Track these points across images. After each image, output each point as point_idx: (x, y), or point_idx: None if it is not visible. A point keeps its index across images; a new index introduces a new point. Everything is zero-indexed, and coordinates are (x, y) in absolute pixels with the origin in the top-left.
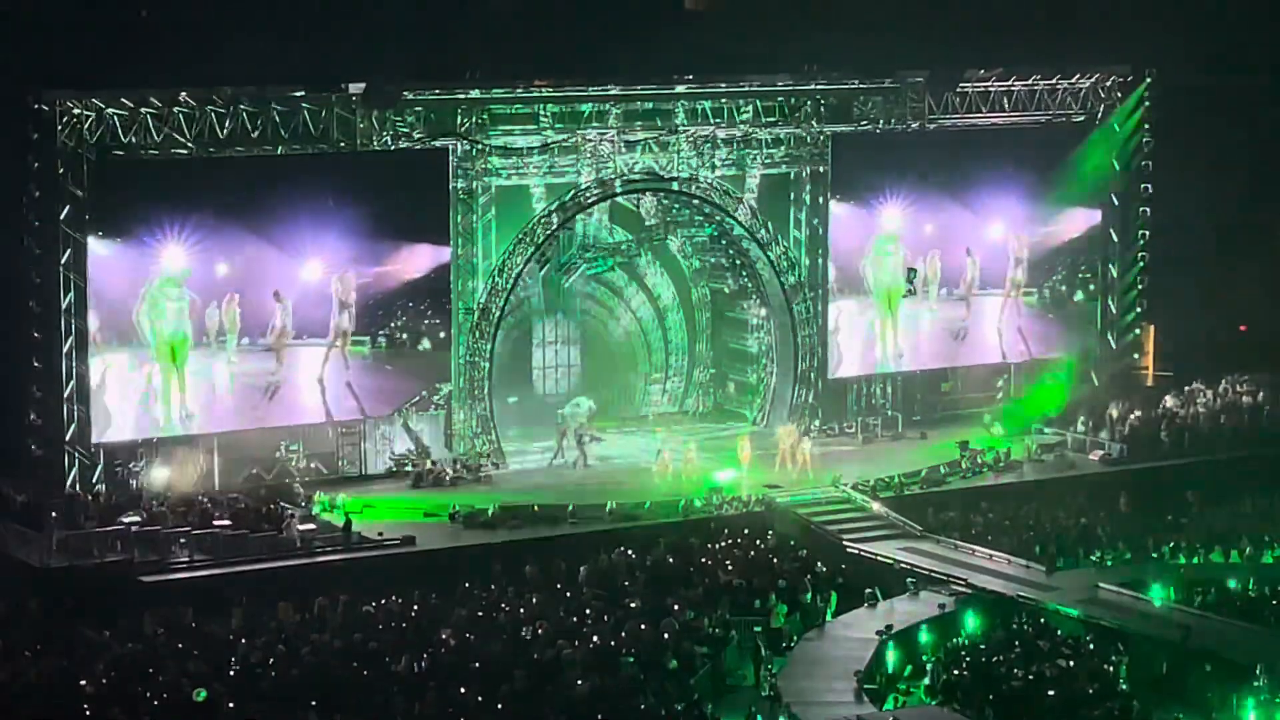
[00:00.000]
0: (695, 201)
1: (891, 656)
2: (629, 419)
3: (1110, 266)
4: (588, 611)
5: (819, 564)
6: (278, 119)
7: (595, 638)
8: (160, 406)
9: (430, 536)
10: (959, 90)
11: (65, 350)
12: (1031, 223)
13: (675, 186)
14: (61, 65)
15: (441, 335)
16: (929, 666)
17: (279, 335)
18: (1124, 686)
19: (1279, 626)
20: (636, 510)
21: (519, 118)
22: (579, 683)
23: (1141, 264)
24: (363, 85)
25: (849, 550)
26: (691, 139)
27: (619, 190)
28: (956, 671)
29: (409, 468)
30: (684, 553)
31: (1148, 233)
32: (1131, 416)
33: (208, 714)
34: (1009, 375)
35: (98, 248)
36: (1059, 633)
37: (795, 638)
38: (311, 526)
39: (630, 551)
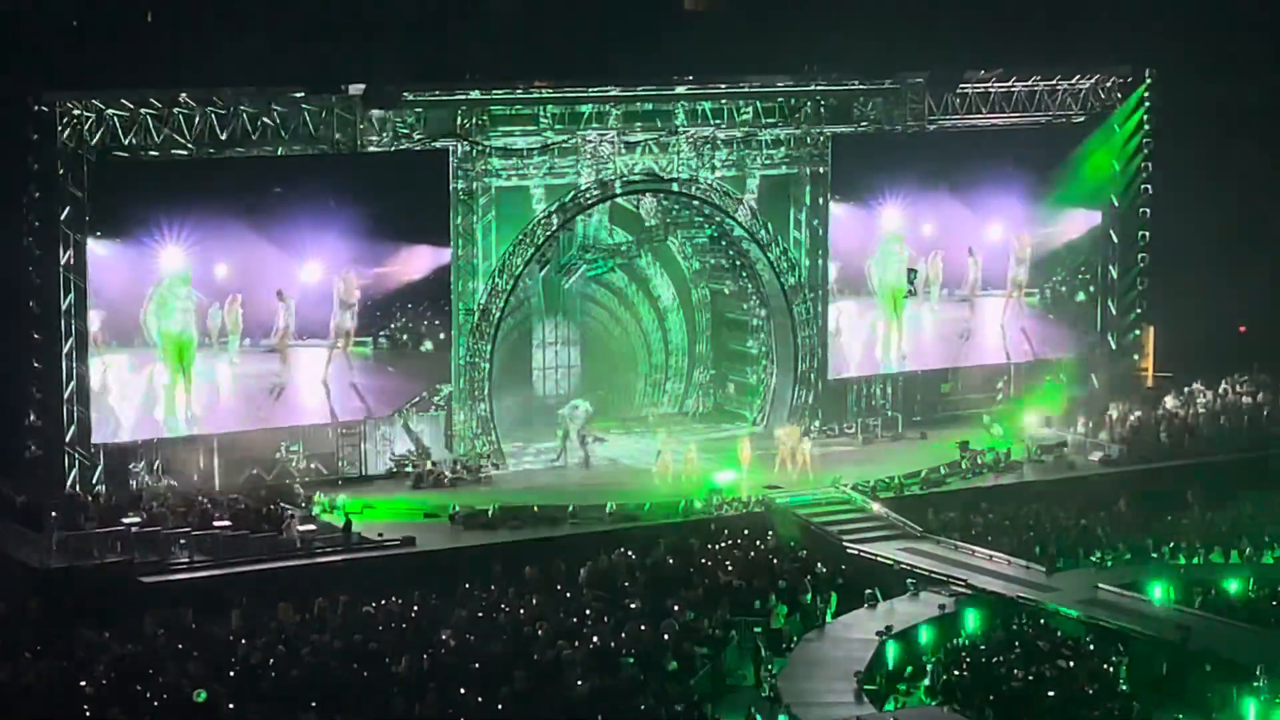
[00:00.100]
0: (695, 202)
1: (891, 657)
2: (629, 420)
3: (1110, 267)
4: (588, 612)
5: (819, 565)
6: (278, 120)
7: (595, 638)
8: (164, 407)
9: (430, 537)
10: (959, 91)
11: (65, 351)
12: (1032, 223)
13: (675, 187)
14: (62, 66)
15: (442, 336)
16: (929, 667)
17: (283, 336)
18: (1124, 687)
19: (1279, 627)
20: (636, 511)
21: (519, 119)
22: (579, 683)
23: (1141, 265)
24: (363, 86)
25: (849, 551)
26: (691, 140)
27: (619, 191)
28: (956, 672)
29: (409, 469)
30: (684, 553)
31: (1148, 233)
32: (1131, 417)
33: (208, 715)
34: (1009, 376)
35: (98, 249)
36: (1059, 633)
37: (795, 638)
38: (311, 527)
39: (630, 552)
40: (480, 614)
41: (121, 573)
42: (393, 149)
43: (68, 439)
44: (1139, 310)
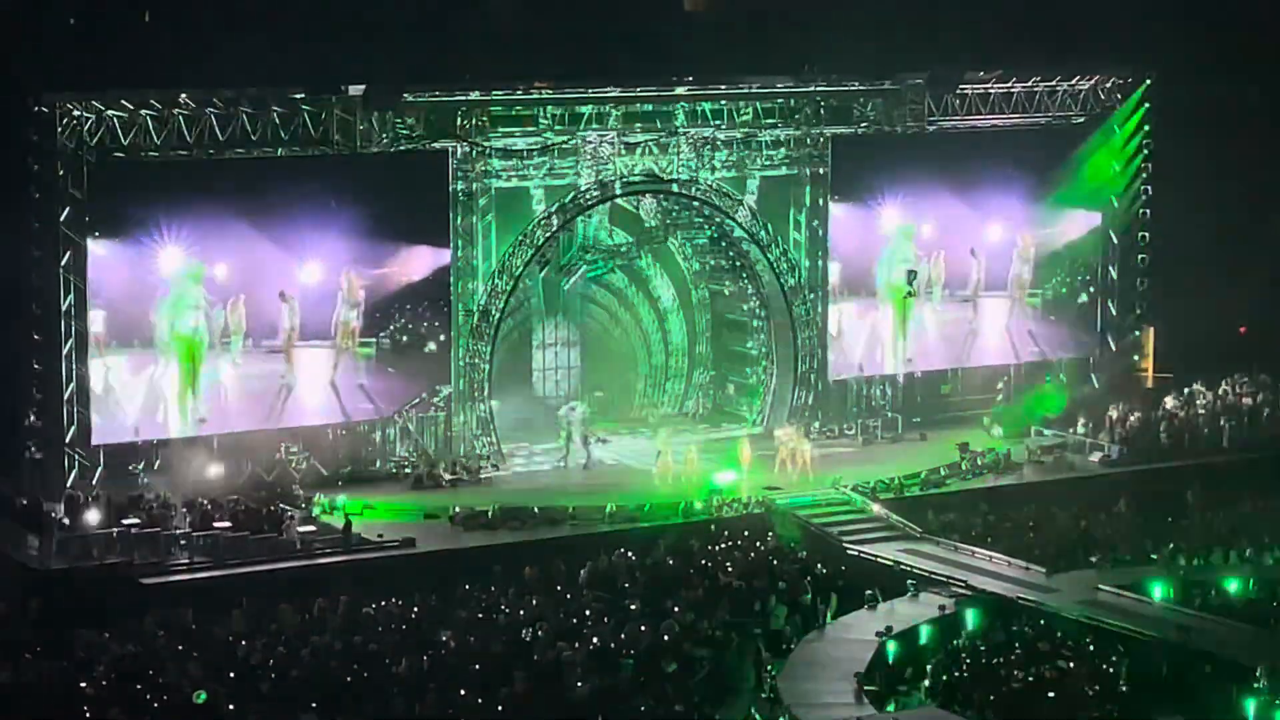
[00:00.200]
0: (695, 203)
1: (891, 658)
2: (629, 421)
3: (1110, 268)
4: (588, 613)
5: (819, 566)
6: (277, 121)
7: (595, 639)
8: (170, 408)
9: (430, 538)
10: (958, 92)
11: (65, 352)
12: (1032, 224)
13: (675, 188)
14: (62, 67)
15: (442, 338)
16: (929, 668)
17: (288, 336)
18: (1124, 688)
19: (1279, 628)
20: (637, 512)
21: (519, 119)
22: (579, 684)
23: (1141, 265)
24: (362, 87)
25: (849, 552)
26: (691, 141)
27: (619, 192)
28: (956, 673)
29: (409, 470)
30: (684, 555)
31: (1147, 234)
32: (1131, 418)
33: (208, 715)
34: (1009, 377)
35: (98, 250)
36: (1059, 634)
37: (795, 639)
38: (311, 528)
39: (630, 553)
40: (480, 615)
41: (122, 573)
42: (392, 150)
43: (68, 440)
44: (1139, 311)
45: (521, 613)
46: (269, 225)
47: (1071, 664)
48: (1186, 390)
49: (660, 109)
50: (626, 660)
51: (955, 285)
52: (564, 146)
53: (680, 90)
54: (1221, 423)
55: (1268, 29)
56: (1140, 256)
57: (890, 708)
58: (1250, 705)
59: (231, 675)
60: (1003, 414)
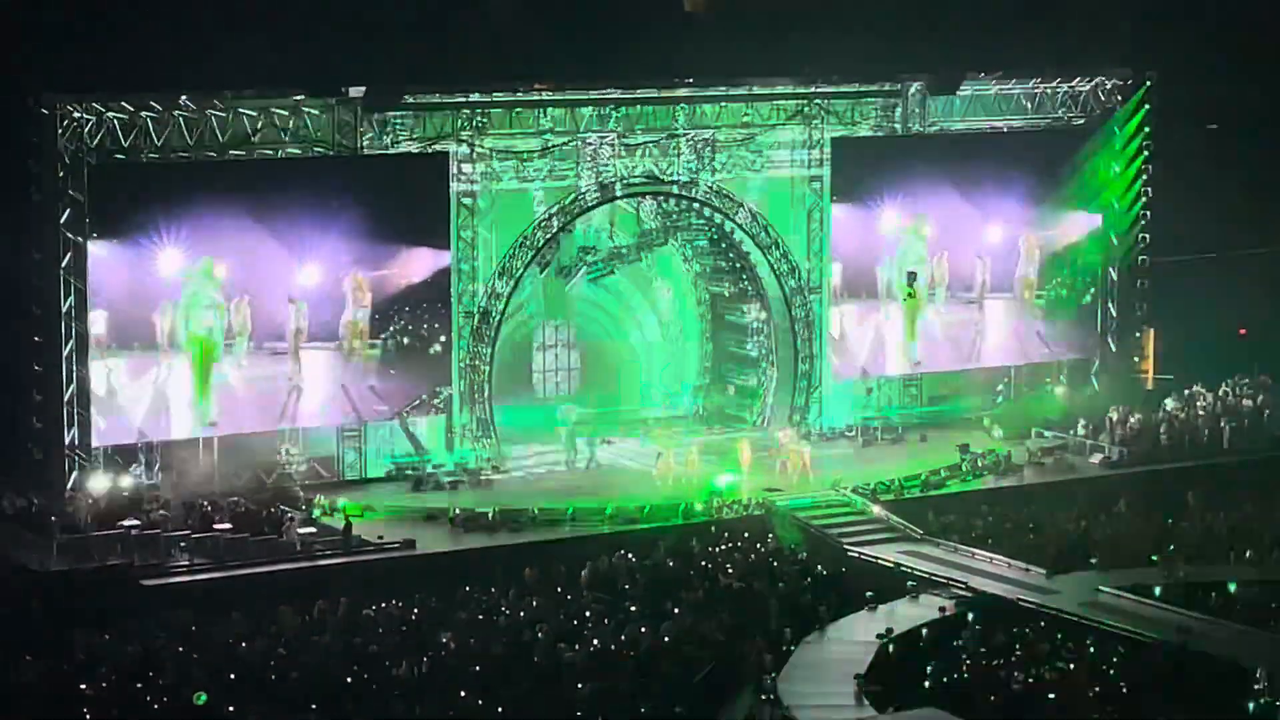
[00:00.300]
0: (695, 205)
1: (892, 660)
2: (629, 422)
3: (1110, 270)
4: (588, 614)
5: (819, 567)
6: (278, 123)
7: (595, 641)
8: (180, 410)
9: (430, 540)
10: (959, 94)
11: (66, 354)
12: (1033, 226)
13: (675, 190)
14: (62, 69)
15: (442, 339)
16: (929, 670)
17: (295, 338)
18: (1124, 690)
19: (1279, 629)
20: (637, 514)
21: (519, 121)
22: (579, 686)
23: (1142, 267)
24: (363, 89)
25: (849, 554)
26: (691, 142)
27: (619, 194)
28: (957, 675)
29: (409, 471)
30: (684, 556)
31: (1148, 236)
32: (1132, 420)
33: (208, 717)
34: (1009, 378)
35: (98, 251)
36: (1059, 636)
37: (795, 641)
38: (312, 530)
39: (630, 555)
40: (480, 616)
41: (122, 575)
42: (392, 152)
43: (68, 441)
44: (1139, 312)
45: (522, 614)
46: (269, 227)
47: (1072, 665)
48: (1187, 392)
49: (661, 110)
50: (627, 662)
51: (958, 287)
52: (564, 148)
53: (681, 92)
54: (1222, 424)
55: (1268, 29)
56: (1141, 258)
57: (890, 710)
58: (1251, 708)
59: (231, 677)
60: (1003, 415)
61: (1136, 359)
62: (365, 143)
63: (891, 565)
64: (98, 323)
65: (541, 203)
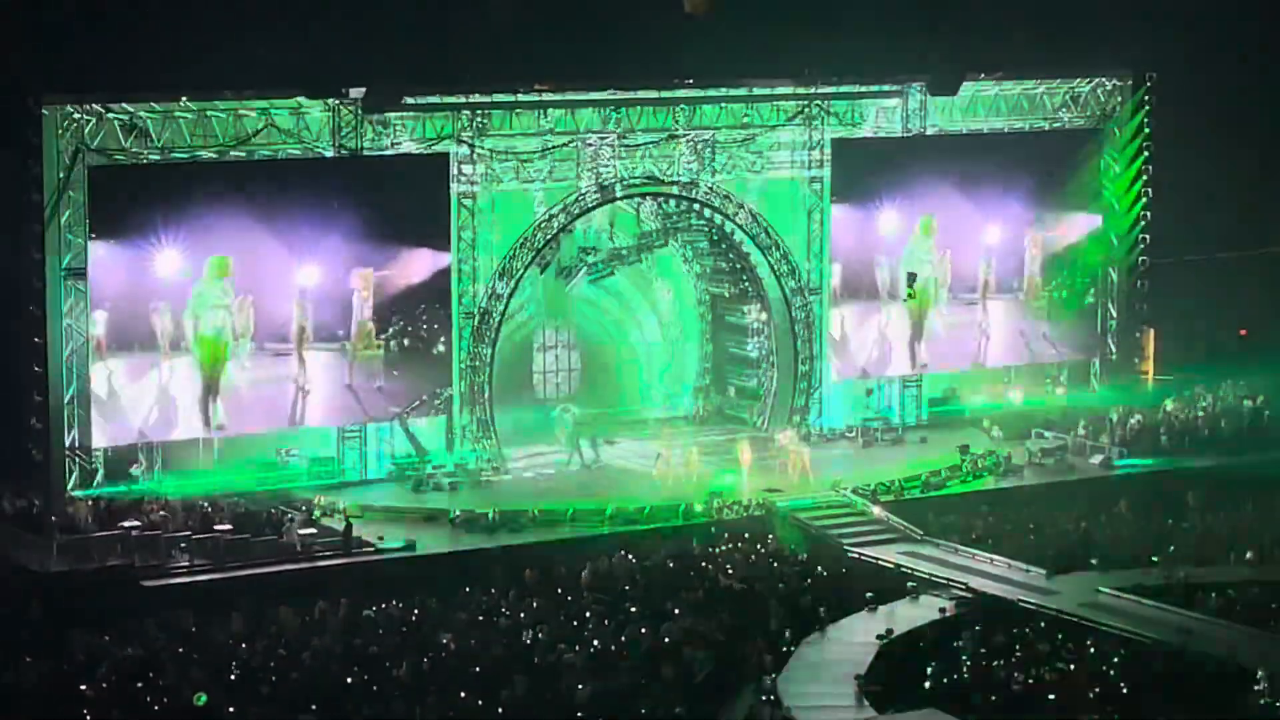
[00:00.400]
0: (695, 206)
1: (892, 661)
2: (629, 423)
3: (1111, 270)
4: (588, 615)
5: (819, 568)
6: (278, 123)
7: (595, 642)
8: (187, 412)
9: (430, 541)
10: (959, 94)
11: (66, 355)
12: (1033, 227)
13: (675, 191)
14: (62, 69)
15: (443, 340)
16: (929, 670)
17: (299, 338)
18: (1125, 691)
19: (1279, 630)
20: (637, 514)
21: (519, 122)
22: (579, 687)
23: (1142, 268)
24: (363, 89)
25: (849, 554)
26: (692, 143)
27: (619, 195)
28: (957, 675)
29: (409, 472)
30: (684, 557)
31: (1148, 237)
32: (1132, 420)
33: (208, 717)
34: (1010, 379)
35: (98, 252)
36: (1059, 637)
37: (796, 641)
38: (312, 531)
39: (630, 556)
40: (480, 617)
41: (122, 576)
42: (392, 153)
43: (68, 443)
44: (1139, 314)
45: (522, 615)
46: (269, 227)
47: (1072, 666)
48: (1187, 392)
49: (661, 111)
50: (627, 663)
51: (960, 288)
52: (564, 149)
53: (681, 92)
54: (1222, 425)
55: (1268, 30)
56: (1141, 259)
57: (890, 711)
58: (1251, 709)
59: (232, 678)
60: (1003, 416)
61: (1136, 359)
62: (365, 143)
63: (892, 566)
64: (98, 323)
65: (541, 203)
